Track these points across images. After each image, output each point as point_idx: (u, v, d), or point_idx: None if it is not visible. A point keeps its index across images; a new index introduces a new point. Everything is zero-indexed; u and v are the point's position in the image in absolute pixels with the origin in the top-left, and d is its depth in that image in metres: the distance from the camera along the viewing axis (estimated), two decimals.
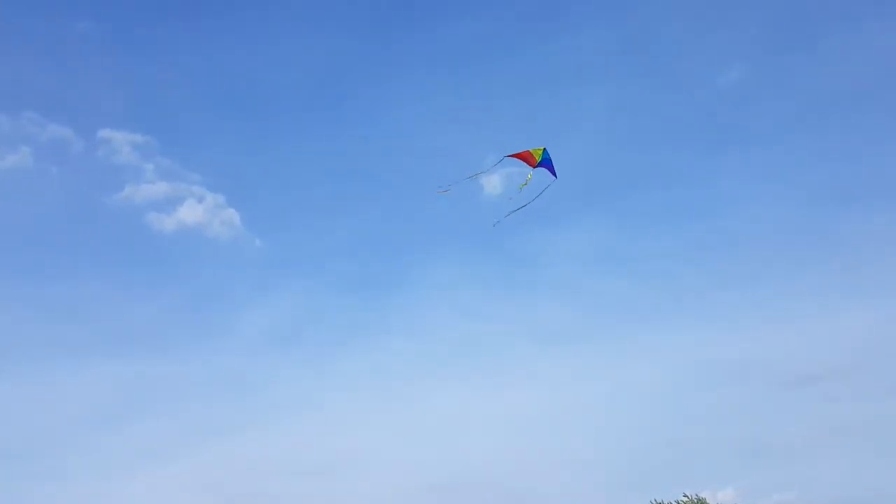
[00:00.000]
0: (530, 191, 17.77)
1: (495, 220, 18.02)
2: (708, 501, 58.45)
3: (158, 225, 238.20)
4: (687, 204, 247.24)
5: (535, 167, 18.17)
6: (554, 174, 18.10)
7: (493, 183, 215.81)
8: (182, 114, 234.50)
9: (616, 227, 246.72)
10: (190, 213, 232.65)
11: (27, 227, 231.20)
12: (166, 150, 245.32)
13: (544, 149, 17.96)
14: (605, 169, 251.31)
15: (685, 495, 59.62)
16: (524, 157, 17.91)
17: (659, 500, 60.85)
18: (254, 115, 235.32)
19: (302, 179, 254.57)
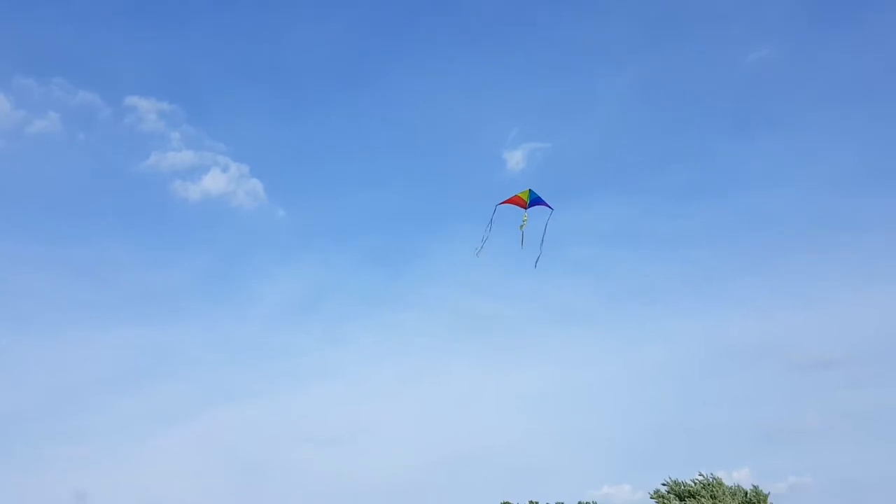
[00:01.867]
0: (537, 226, 19.13)
1: (536, 259, 19.33)
2: (723, 481, 59.60)
3: (183, 193, 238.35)
4: (710, 184, 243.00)
5: (526, 208, 19.11)
6: (549, 206, 19.20)
7: (515, 158, 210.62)
8: (207, 83, 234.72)
9: (637, 207, 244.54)
10: (214, 182, 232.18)
11: (55, 192, 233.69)
12: (192, 118, 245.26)
13: (530, 190, 19.02)
14: (628, 147, 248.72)
15: (700, 474, 60.83)
16: (514, 201, 19.09)
17: (674, 479, 62.08)
18: (279, 88, 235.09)
19: (325, 153, 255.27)
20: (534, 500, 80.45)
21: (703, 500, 57.15)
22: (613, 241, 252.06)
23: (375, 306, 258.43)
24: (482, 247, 19.27)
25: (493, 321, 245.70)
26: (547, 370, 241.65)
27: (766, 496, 58.21)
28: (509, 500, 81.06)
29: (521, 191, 18.25)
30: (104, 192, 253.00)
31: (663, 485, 62.03)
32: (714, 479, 59.94)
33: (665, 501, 60.10)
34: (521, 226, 18.29)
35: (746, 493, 58.82)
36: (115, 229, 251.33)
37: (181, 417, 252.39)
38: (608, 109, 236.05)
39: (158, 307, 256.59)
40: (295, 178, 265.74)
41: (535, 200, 18.95)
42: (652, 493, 61.80)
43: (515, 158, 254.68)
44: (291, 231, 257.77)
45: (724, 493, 57.85)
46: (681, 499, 59.36)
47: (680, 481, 61.33)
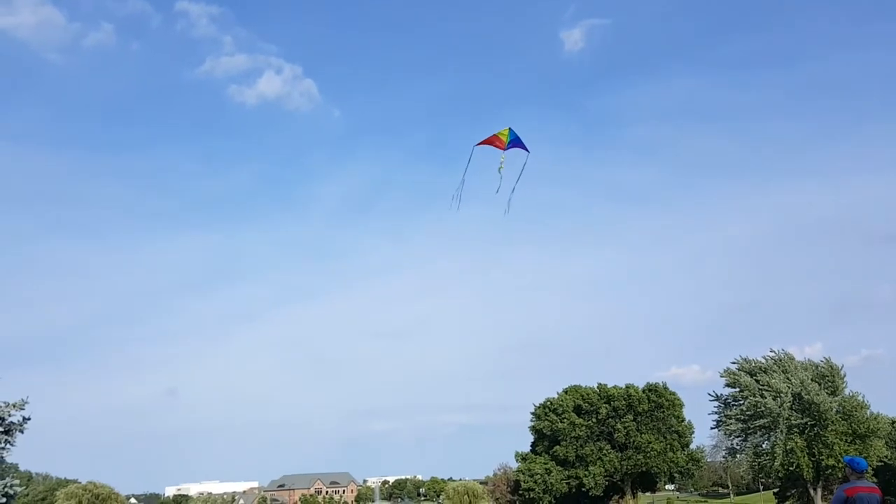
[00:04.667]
0: (513, 167, 18.55)
1: (507, 204, 18.79)
2: (794, 357, 60.55)
3: (240, 98, 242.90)
4: (786, 50, 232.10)
5: (505, 149, 18.23)
6: (526, 149, 18.29)
7: (574, 38, 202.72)
8: None
9: (708, 78, 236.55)
10: (269, 85, 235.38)
11: (116, 104, 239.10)
12: (242, 20, 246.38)
13: (510, 129, 18.07)
14: (694, 17, 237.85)
15: (772, 350, 61.83)
16: (492, 141, 18.21)
17: (745, 357, 63.25)
18: None
19: (375, 46, 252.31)
20: (602, 383, 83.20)
21: (774, 374, 58.28)
22: (679, 117, 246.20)
23: (432, 200, 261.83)
24: (459, 196, 18.53)
25: (554, 207, 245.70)
26: (611, 254, 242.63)
27: (838, 368, 59.02)
28: (578, 384, 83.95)
29: (500, 130, 17.88)
30: (162, 101, 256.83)
31: (733, 363, 63.26)
32: (785, 354, 60.86)
33: (735, 378, 61.46)
34: (500, 167, 18.01)
35: (818, 367, 59.68)
36: (174, 137, 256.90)
37: (255, 317, 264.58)
38: None
39: (223, 212, 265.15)
40: (347, 74, 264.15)
41: (515, 141, 18.23)
42: (722, 371, 63.08)
43: (574, 38, 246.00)
44: (347, 131, 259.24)
45: (795, 368, 58.85)
46: (751, 375, 60.64)
47: (750, 359, 62.44)
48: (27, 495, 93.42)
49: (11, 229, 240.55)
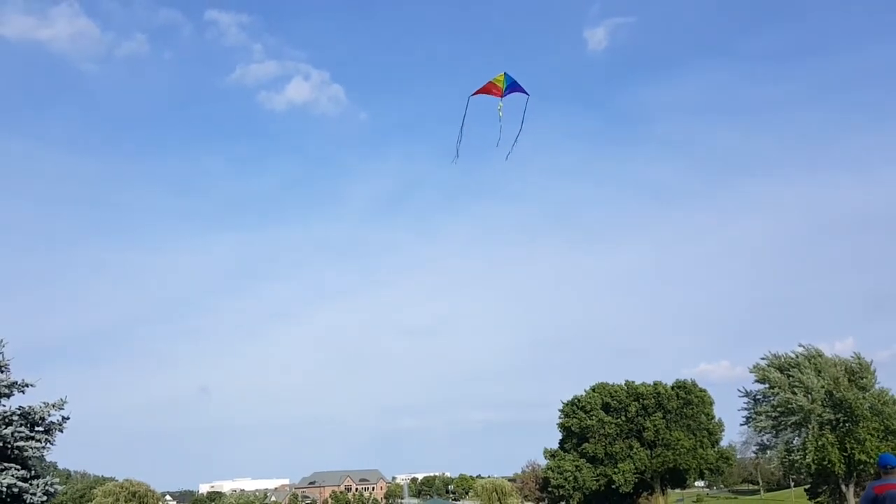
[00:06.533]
0: (512, 115, 17.82)
1: (507, 154, 18.08)
2: (824, 352, 59.94)
3: (269, 104, 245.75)
4: (815, 41, 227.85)
5: (502, 96, 17.28)
6: (525, 92, 17.32)
7: (597, 38, 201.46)
8: None
9: (733, 72, 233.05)
10: (297, 91, 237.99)
11: (150, 111, 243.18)
12: (271, 28, 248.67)
13: (505, 74, 17.16)
14: (721, 10, 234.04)
15: (801, 346, 61.29)
16: (488, 89, 17.30)
17: (774, 352, 62.78)
18: None
19: (403, 46, 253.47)
20: (630, 381, 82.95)
21: (805, 370, 57.76)
22: (706, 112, 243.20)
23: (459, 199, 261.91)
24: (458, 149, 17.99)
25: (581, 205, 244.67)
26: (638, 250, 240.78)
27: (868, 364, 58.39)
28: (605, 381, 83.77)
29: (495, 76, 16.91)
30: (194, 109, 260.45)
31: (762, 359, 62.81)
32: (815, 349, 60.30)
33: (765, 374, 61.00)
34: (499, 115, 17.13)
35: (847, 363, 59.08)
36: (207, 143, 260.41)
37: (287, 315, 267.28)
38: None
39: (256, 214, 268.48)
40: (374, 77, 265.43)
41: (512, 86, 17.11)
42: (751, 367, 62.65)
43: (597, 37, 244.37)
44: (374, 132, 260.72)
45: (826, 364, 58.27)
46: (781, 371, 60.15)
47: (780, 354, 61.94)
48: (66, 493, 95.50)
49: (49, 231, 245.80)
